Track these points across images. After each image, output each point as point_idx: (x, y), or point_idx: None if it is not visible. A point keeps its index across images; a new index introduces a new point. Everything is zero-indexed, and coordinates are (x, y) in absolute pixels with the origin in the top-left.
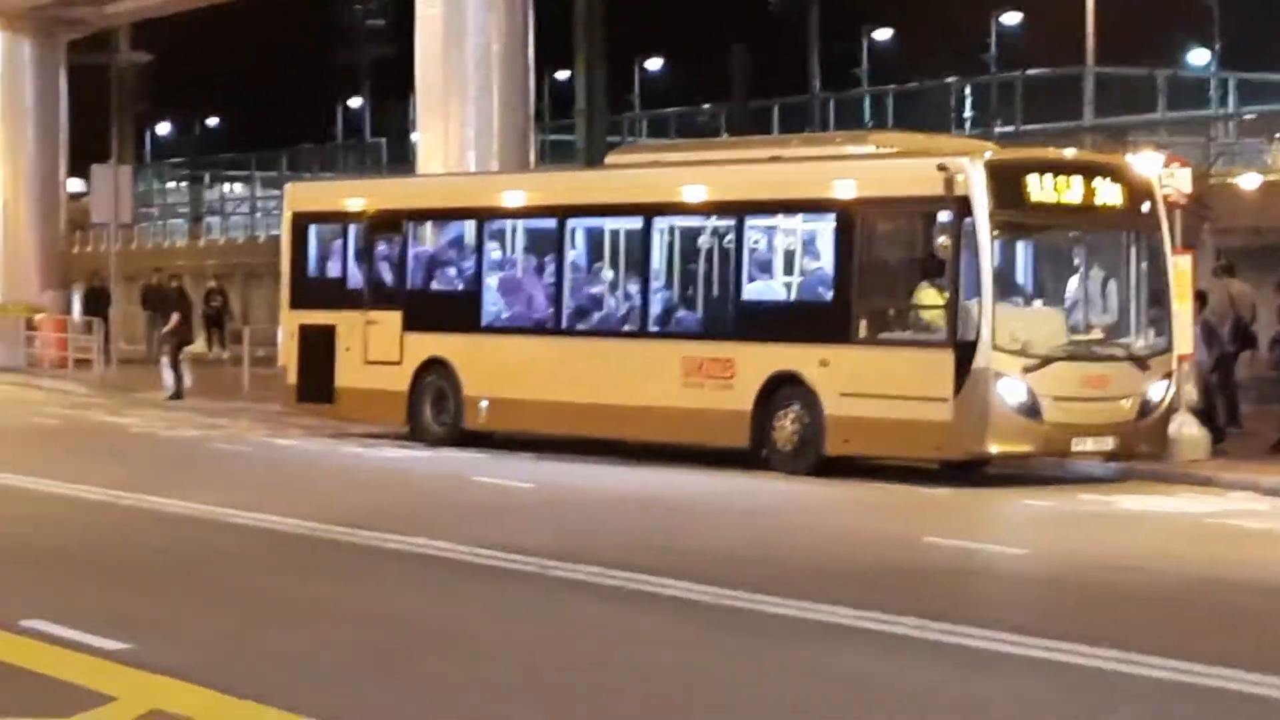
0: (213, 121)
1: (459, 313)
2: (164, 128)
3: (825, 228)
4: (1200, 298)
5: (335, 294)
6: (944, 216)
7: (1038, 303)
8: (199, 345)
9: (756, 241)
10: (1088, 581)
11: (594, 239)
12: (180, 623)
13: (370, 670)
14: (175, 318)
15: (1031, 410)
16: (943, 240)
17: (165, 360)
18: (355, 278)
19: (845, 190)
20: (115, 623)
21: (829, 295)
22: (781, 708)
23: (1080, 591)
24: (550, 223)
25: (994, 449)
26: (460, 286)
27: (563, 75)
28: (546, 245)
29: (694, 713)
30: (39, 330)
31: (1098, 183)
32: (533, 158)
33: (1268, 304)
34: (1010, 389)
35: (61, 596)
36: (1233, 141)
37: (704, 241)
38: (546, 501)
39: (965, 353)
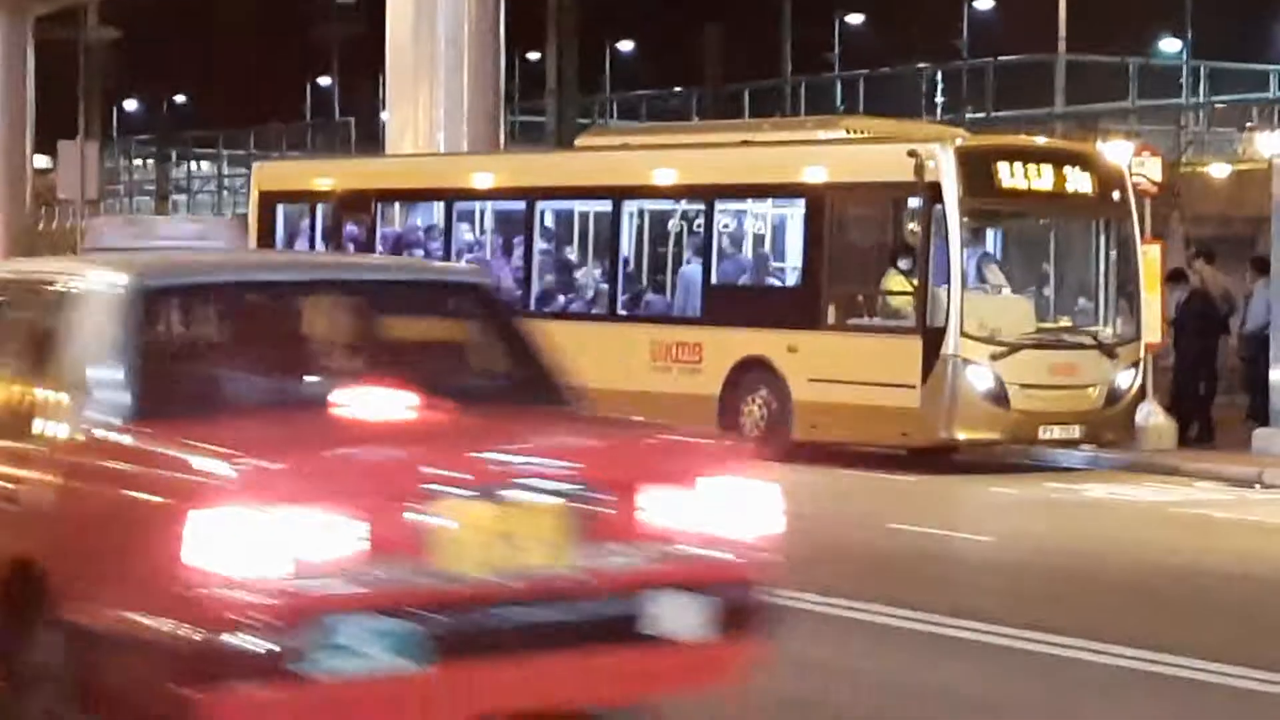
0: (180, 99)
1: None
2: (132, 104)
3: (795, 213)
4: (1176, 277)
5: None
6: (914, 203)
7: (1006, 290)
8: None
9: (726, 226)
10: (1054, 569)
11: (563, 222)
12: None
13: None
14: None
15: (999, 397)
16: (912, 226)
17: None
18: None
19: (815, 175)
20: None
21: (798, 280)
22: (746, 694)
23: (1046, 579)
24: (519, 205)
25: (961, 436)
26: None
27: (534, 56)
28: (515, 227)
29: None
30: None
31: (1068, 170)
32: (503, 139)
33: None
34: (978, 376)
35: None
36: (1203, 130)
37: (673, 225)
38: None
39: (933, 339)
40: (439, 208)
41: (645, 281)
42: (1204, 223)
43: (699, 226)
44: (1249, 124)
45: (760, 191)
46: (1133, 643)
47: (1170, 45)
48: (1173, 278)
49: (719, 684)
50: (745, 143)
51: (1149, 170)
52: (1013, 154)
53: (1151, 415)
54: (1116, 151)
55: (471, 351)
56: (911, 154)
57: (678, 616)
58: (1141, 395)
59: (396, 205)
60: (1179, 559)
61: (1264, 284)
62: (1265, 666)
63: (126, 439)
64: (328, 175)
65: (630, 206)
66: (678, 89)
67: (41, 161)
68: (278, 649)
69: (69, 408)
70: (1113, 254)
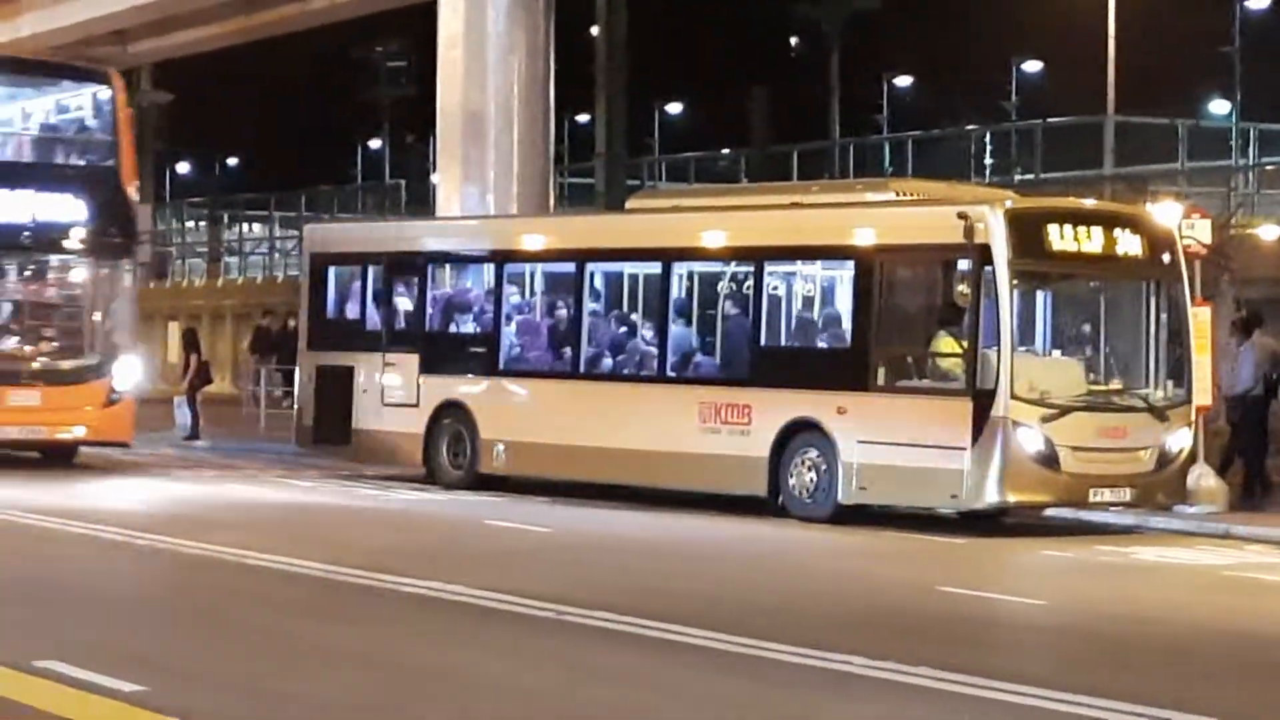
0: (232, 161)
1: (476, 356)
2: (184, 167)
3: (844, 274)
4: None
5: (353, 336)
6: (964, 264)
7: (1056, 352)
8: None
9: (775, 288)
10: (1105, 633)
11: (612, 283)
12: (195, 665)
13: (382, 714)
14: (195, 359)
15: (1049, 460)
16: (962, 288)
17: (180, 400)
18: (373, 320)
19: (865, 237)
20: (130, 664)
21: (847, 342)
22: None
23: (1097, 643)
24: (569, 267)
25: (1011, 499)
26: (478, 330)
27: (583, 118)
28: (564, 289)
29: None
30: None
31: (1118, 232)
32: (552, 201)
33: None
34: (1028, 438)
35: (77, 637)
36: (1253, 192)
37: (723, 287)
38: (562, 546)
39: (983, 401)
40: (489, 270)
41: (694, 343)
42: (1254, 285)
43: (748, 288)
44: None
45: (809, 253)
46: (1185, 708)
47: (1220, 107)
48: None
49: None
50: (794, 205)
51: (1199, 232)
52: (1062, 216)
53: (1203, 478)
54: (1166, 213)
55: None
56: (961, 216)
57: None
58: (1193, 458)
59: (447, 267)
60: (1231, 623)
61: (1249, 346)
62: None
63: None
64: (378, 237)
65: (680, 268)
66: (726, 150)
67: None
68: None
69: None
70: (1163, 316)
